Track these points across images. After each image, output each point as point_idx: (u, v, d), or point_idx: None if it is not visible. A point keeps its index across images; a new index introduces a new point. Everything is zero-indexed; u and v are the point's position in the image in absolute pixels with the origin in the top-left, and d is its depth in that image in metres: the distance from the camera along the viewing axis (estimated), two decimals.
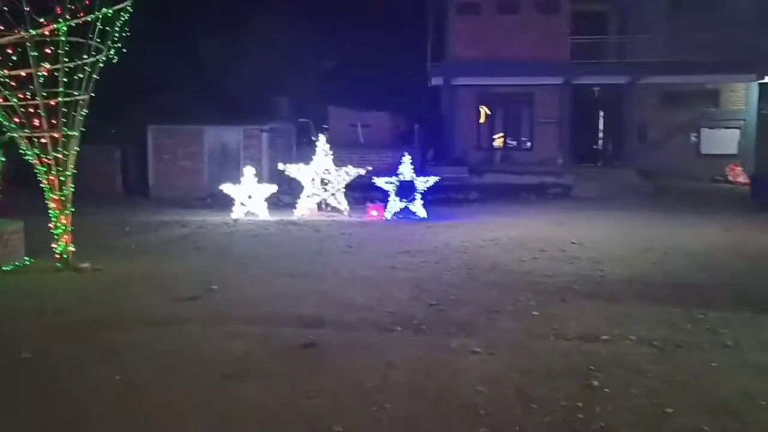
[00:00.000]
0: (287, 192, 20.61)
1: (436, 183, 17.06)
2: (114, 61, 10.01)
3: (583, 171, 24.63)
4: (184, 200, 21.26)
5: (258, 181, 17.14)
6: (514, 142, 27.57)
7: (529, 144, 27.35)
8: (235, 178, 17.43)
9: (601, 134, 29.47)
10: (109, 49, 9.92)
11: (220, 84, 23.96)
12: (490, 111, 27.07)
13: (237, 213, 16.28)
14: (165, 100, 23.57)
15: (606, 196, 21.64)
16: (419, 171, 16.98)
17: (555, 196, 22.44)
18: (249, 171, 16.51)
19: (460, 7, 26.06)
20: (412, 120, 26.74)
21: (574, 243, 12.07)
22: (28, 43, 9.20)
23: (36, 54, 9.27)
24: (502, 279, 8.83)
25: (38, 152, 9.27)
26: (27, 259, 10.03)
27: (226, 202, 17.00)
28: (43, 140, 9.22)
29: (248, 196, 16.34)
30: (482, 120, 27.00)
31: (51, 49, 9.47)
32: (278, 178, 19.95)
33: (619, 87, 26.56)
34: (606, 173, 24.96)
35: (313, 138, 23.51)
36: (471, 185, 23.32)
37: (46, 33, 9.34)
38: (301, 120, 24.76)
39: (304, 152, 22.95)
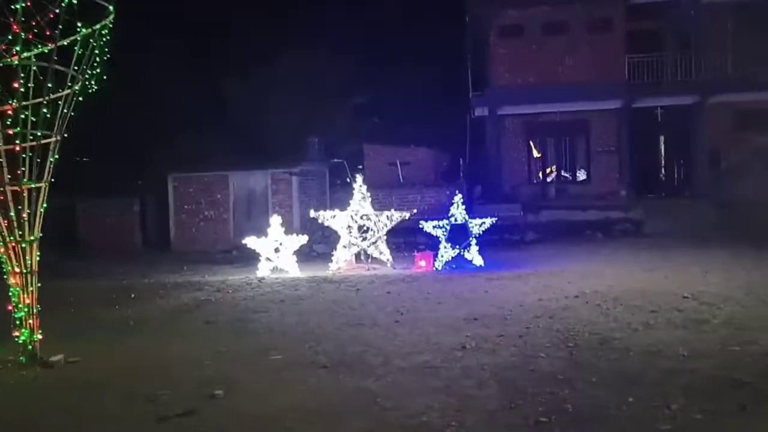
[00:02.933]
0: (321, 241, 18.37)
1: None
2: (91, 91, 7.86)
3: (651, 204, 21.86)
4: (208, 254, 19.15)
5: (288, 231, 14.90)
6: (569, 175, 25.00)
7: (585, 176, 24.75)
8: (264, 228, 15.17)
9: (663, 162, 26.74)
10: (86, 77, 7.78)
11: (246, 126, 22.00)
12: (541, 140, 24.59)
13: (263, 270, 13.97)
14: (187, 146, 21.71)
15: (682, 231, 18.90)
16: (467, 211, 14.55)
17: (624, 233, 19.77)
18: (275, 221, 14.24)
19: (501, 30, 23.85)
20: (456, 155, 24.39)
21: (686, 297, 9.43)
22: None
23: None
24: (624, 366, 6.24)
25: None
26: None
27: (254, 256, 14.71)
28: None
29: (275, 249, 14.04)
30: (536, 155, 24.49)
31: (19, 82, 7.38)
32: (311, 225, 17.75)
33: (684, 109, 23.88)
34: (677, 205, 22.07)
35: (348, 180, 21.36)
36: (526, 224, 20.79)
37: (12, 61, 7.27)
38: (335, 160, 22.59)
39: (339, 196, 20.77)
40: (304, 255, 16.15)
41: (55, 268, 16.79)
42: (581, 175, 24.64)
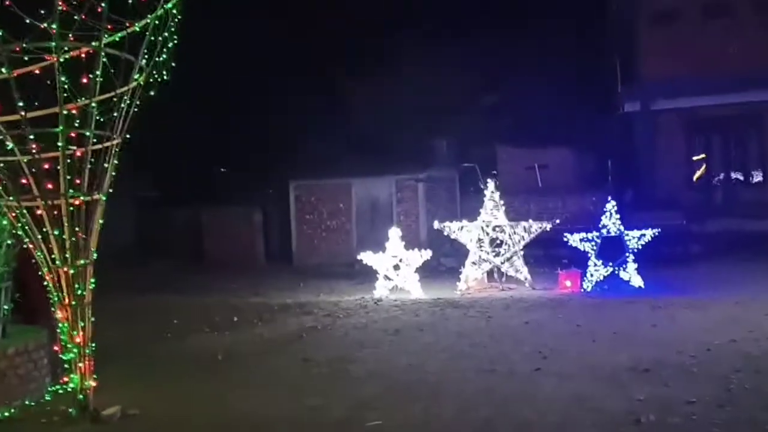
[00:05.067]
0: (450, 254, 16.48)
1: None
2: (161, 80, 6.52)
3: None
4: (329, 268, 17.83)
5: (413, 243, 13.21)
6: (740, 177, 21.48)
7: (761, 177, 21.16)
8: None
9: None
10: (154, 67, 6.45)
11: (369, 130, 20.55)
12: (704, 138, 21.31)
13: (380, 290, 12.29)
14: (309, 153, 20.63)
15: None
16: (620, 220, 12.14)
17: None
18: (394, 233, 12.50)
19: (654, 14, 20.92)
20: (602, 156, 21.65)
21: None
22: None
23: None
24: None
25: (31, 230, 5.81)
26: (52, 389, 6.60)
27: (375, 270, 13.03)
28: (39, 210, 5.77)
29: (394, 266, 12.33)
30: (697, 175, 21.24)
31: (87, 78, 6.20)
32: (439, 236, 15.91)
33: None
34: None
35: (480, 186, 19.37)
36: (688, 235, 17.82)
37: (82, 53, 6.16)
38: (465, 165, 20.61)
39: (470, 204, 18.75)
40: (430, 270, 14.43)
41: (173, 282, 16.24)
42: (756, 177, 21.08)
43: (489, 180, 13.52)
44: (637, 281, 11.70)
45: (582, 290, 11.84)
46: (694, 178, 21.37)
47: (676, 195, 20.18)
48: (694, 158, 21.49)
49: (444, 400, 5.90)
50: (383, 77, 20.63)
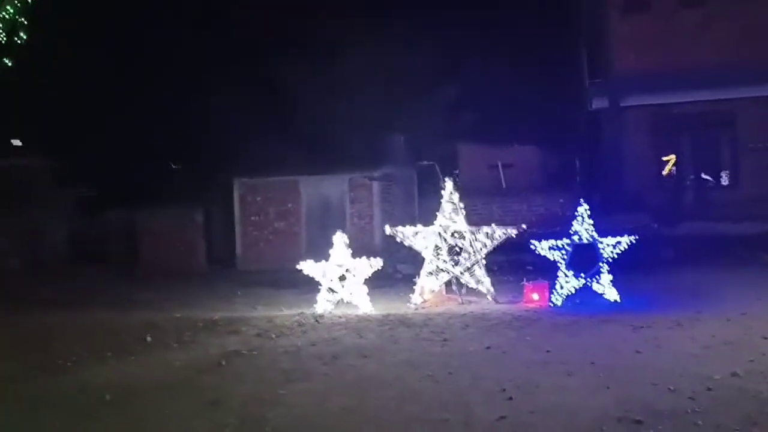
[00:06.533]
0: (407, 259, 15.03)
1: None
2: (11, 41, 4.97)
3: None
4: (275, 274, 16.19)
5: (367, 247, 11.78)
6: (710, 178, 20.58)
7: (728, 179, 20.32)
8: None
9: None
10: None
11: (320, 124, 19.04)
12: (675, 137, 20.33)
13: (322, 305, 10.78)
14: (255, 149, 19.01)
15: None
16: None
17: None
18: (339, 239, 10.96)
19: (625, 4, 19.89)
20: (569, 155, 20.52)
21: None
22: None
23: None
24: None
25: None
26: None
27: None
28: None
29: (340, 277, 10.84)
30: (666, 170, 20.29)
31: None
32: (395, 240, 14.50)
33: None
34: None
35: (441, 185, 18.02)
36: (659, 239, 16.70)
37: None
38: (424, 162, 19.23)
39: (429, 204, 17.38)
40: (384, 277, 13.03)
41: (99, 294, 14.52)
42: (726, 178, 20.21)
43: (446, 179, 12.10)
44: (612, 295, 10.39)
45: (551, 305, 10.49)
46: (663, 172, 20.42)
47: (644, 196, 19.15)
48: (664, 158, 20.54)
49: None
50: (335, 69, 19.16)
